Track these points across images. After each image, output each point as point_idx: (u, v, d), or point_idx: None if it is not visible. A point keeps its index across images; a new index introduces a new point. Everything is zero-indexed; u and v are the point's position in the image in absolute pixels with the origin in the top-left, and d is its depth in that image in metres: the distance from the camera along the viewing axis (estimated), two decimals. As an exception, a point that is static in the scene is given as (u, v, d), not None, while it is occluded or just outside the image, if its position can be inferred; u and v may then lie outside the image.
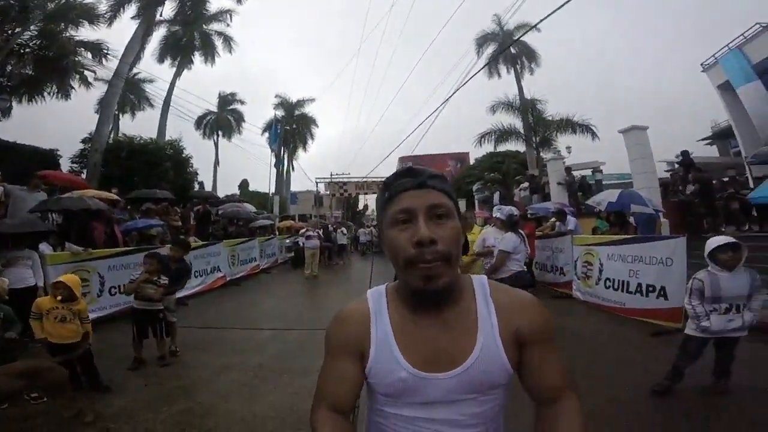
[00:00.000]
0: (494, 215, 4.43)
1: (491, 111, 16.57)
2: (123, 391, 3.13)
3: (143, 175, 13.08)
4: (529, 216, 9.45)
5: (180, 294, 6.72)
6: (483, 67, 12.04)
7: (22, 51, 12.21)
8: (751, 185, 8.82)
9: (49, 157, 12.26)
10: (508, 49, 17.33)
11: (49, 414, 2.64)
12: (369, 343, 0.75)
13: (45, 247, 4.75)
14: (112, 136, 16.46)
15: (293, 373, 3.53)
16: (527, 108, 16.11)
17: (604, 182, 15.35)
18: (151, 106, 22.87)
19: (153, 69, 23.23)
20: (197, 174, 17.86)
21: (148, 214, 8.06)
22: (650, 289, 4.93)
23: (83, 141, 14.85)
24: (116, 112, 19.14)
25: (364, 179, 23.06)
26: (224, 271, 8.80)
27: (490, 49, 19.88)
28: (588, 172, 15.10)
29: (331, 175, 23.63)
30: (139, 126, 26.55)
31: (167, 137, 18.47)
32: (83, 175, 12.83)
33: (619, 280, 5.51)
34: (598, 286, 5.94)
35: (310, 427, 0.72)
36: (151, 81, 22.38)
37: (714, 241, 2.73)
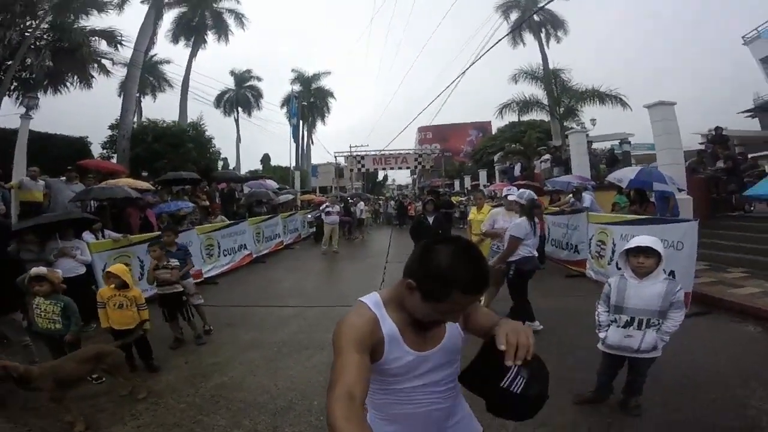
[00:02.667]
0: (509, 197, 4.35)
1: (513, 81, 15.95)
2: (168, 369, 3.53)
3: (169, 157, 13.58)
4: (545, 191, 9.35)
5: (211, 273, 7.31)
6: (504, 36, 11.48)
7: (38, 44, 12.58)
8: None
9: (81, 145, 12.90)
10: (531, 17, 16.30)
11: (109, 393, 3.04)
12: (382, 339, 0.97)
13: (88, 236, 5.03)
14: (136, 119, 16.83)
15: (311, 349, 3.88)
16: (550, 78, 15.37)
17: (632, 153, 14.81)
18: (171, 86, 23.35)
19: (169, 50, 23.75)
20: (220, 153, 18.38)
21: (179, 197, 8.61)
22: (659, 273, 4.91)
23: (111, 127, 15.41)
24: (138, 95, 19.65)
25: (381, 153, 23.00)
26: (250, 248, 9.23)
27: (514, 16, 18.83)
28: (616, 143, 14.57)
29: (350, 147, 23.67)
30: (161, 108, 27.53)
31: (189, 119, 18.91)
32: (113, 160, 13.57)
33: (631, 262, 5.47)
34: (611, 266, 5.87)
35: (326, 414, 0.77)
36: (168, 62, 22.87)
37: (632, 242, 2.30)
